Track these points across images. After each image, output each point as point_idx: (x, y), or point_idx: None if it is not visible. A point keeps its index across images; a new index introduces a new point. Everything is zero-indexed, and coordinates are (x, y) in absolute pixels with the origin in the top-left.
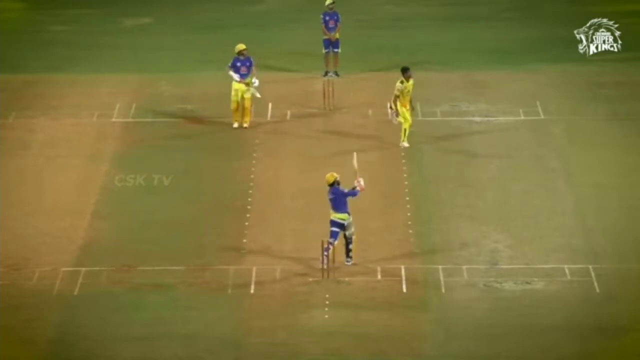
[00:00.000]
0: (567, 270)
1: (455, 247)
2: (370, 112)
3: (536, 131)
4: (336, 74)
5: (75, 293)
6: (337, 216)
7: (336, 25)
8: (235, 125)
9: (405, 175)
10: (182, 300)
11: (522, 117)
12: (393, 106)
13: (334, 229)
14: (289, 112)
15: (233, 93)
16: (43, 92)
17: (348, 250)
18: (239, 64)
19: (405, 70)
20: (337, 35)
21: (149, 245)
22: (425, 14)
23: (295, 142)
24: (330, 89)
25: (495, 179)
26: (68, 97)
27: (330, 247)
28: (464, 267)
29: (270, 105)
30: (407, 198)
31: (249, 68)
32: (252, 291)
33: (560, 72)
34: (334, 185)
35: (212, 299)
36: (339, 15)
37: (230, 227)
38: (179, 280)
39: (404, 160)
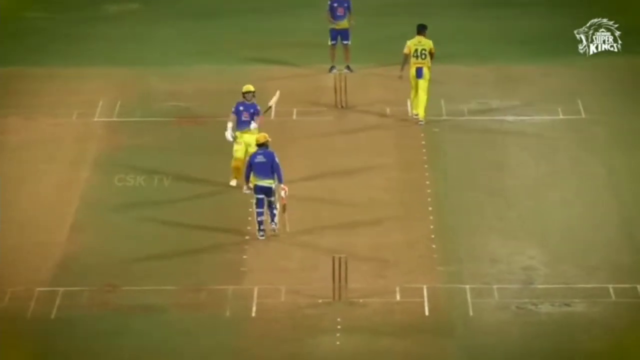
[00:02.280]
0: (611, 290)
1: (485, 264)
2: (388, 110)
3: (577, 132)
4: (348, 68)
5: (52, 316)
6: (263, 182)
7: (345, 13)
8: (234, 183)
9: (427, 182)
10: (173, 325)
11: (561, 117)
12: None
13: (260, 195)
14: (295, 111)
15: (237, 147)
16: (16, 87)
17: (273, 215)
18: (241, 109)
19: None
20: (347, 25)
21: (136, 262)
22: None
23: (302, 145)
24: (343, 84)
25: (529, 187)
26: (44, 93)
27: (262, 217)
28: (495, 286)
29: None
30: (430, 208)
31: (252, 116)
32: (253, 314)
33: (604, 66)
34: (264, 146)
35: (207, 323)
36: (350, 2)
37: (229, 240)
38: (170, 302)
39: (426, 165)
